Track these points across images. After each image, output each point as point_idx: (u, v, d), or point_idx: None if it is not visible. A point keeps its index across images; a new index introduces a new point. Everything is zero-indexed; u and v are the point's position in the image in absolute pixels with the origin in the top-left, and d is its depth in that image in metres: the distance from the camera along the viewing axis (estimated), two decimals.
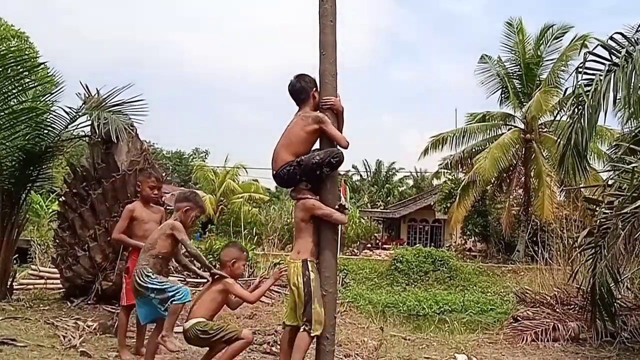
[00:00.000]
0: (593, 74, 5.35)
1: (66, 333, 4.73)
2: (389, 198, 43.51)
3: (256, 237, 15.92)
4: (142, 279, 3.67)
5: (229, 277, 3.70)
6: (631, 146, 5.15)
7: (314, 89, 3.90)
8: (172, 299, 3.62)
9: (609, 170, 6.06)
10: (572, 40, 20.81)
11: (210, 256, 10.44)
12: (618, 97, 5.14)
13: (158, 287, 3.66)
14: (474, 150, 22.91)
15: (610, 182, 5.99)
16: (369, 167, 48.29)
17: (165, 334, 3.60)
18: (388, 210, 36.46)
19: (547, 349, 5.45)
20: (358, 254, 25.54)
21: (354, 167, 47.33)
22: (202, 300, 3.70)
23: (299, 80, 3.91)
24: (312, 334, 3.56)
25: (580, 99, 5.24)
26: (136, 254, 4.24)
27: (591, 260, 5.57)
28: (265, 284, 3.88)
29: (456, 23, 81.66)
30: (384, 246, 30.17)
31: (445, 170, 26.52)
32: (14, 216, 6.13)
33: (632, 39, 5.27)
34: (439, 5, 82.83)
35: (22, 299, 6.31)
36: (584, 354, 5.27)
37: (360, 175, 49.27)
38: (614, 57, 5.19)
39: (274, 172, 3.84)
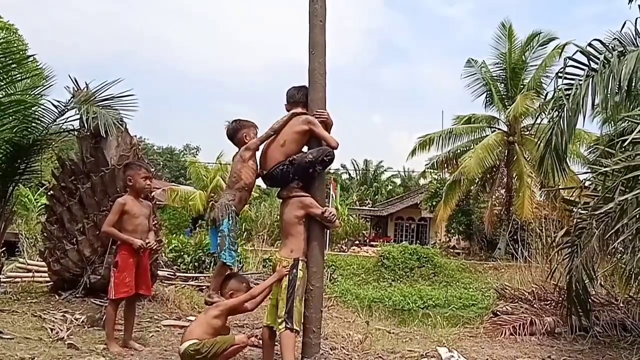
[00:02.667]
0: (572, 79, 5.47)
1: (54, 326, 4.75)
2: (376, 196, 43.84)
3: (246, 233, 15.94)
4: (223, 215, 3.76)
5: (220, 300, 3.79)
6: (606, 149, 5.30)
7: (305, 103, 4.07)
8: (222, 252, 3.75)
9: (586, 173, 6.23)
10: (554, 48, 21.37)
11: (200, 251, 10.50)
12: (596, 102, 5.29)
13: (225, 232, 3.74)
14: (459, 151, 23.35)
15: (587, 184, 6.18)
16: (357, 166, 48.56)
17: (210, 293, 3.83)
18: (376, 208, 36.80)
19: (524, 342, 5.58)
20: (346, 250, 25.72)
21: (342, 166, 47.55)
22: (200, 322, 3.76)
23: (299, 90, 4.08)
24: (293, 330, 3.66)
25: (560, 102, 5.37)
26: (125, 248, 4.30)
27: (568, 258, 5.71)
28: (269, 279, 3.90)
29: (444, 27, 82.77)
30: (372, 243, 30.42)
31: (432, 170, 26.82)
32: (1, 209, 6.09)
33: (610, 46, 5.40)
34: (428, 8, 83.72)
35: (9, 292, 6.29)
36: (558, 347, 5.40)
37: (349, 174, 49.49)
38: (592, 63, 5.30)
39: (265, 172, 3.92)
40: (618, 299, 6.29)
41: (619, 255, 5.41)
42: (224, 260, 3.76)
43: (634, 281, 5.39)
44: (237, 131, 3.98)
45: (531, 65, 22.57)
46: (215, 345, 3.56)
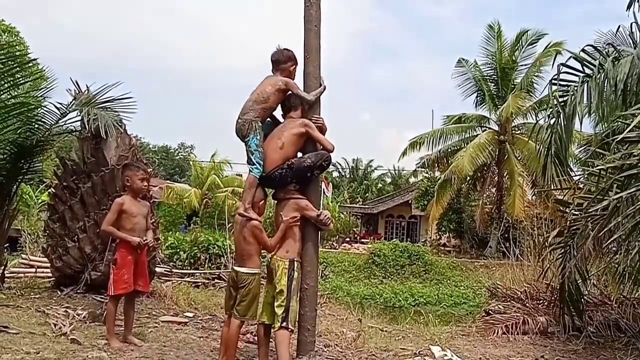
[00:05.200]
0: (567, 85, 5.52)
1: (57, 321, 4.82)
2: (367, 194, 43.96)
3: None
4: (249, 130, 3.93)
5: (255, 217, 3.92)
6: (597, 150, 5.30)
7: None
8: (252, 168, 3.92)
9: (579, 175, 6.24)
10: (546, 47, 21.52)
11: (195, 248, 10.57)
12: (592, 107, 5.39)
13: (253, 147, 3.93)
14: (449, 150, 23.49)
15: (580, 185, 6.22)
16: (347, 164, 48.77)
17: (246, 207, 3.92)
18: (366, 206, 36.91)
19: (516, 342, 5.60)
20: (337, 247, 25.84)
21: (332, 164, 47.55)
22: (245, 248, 3.89)
23: (288, 97, 4.17)
24: (289, 329, 3.79)
25: (556, 109, 5.45)
26: (124, 246, 4.39)
27: (561, 258, 5.69)
28: (278, 232, 3.97)
29: (433, 26, 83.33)
30: (362, 240, 30.54)
31: (423, 169, 26.98)
32: (5, 207, 6.16)
33: (603, 51, 5.43)
34: (418, 8, 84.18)
35: (13, 287, 6.36)
36: (552, 347, 5.42)
37: (340, 172, 49.61)
38: (586, 69, 5.34)
39: (264, 174, 3.99)
40: (611, 299, 6.27)
41: (612, 255, 5.45)
42: (255, 175, 3.92)
43: (628, 281, 5.46)
44: (287, 60, 4.16)
45: (522, 65, 22.79)
46: (251, 307, 3.86)
